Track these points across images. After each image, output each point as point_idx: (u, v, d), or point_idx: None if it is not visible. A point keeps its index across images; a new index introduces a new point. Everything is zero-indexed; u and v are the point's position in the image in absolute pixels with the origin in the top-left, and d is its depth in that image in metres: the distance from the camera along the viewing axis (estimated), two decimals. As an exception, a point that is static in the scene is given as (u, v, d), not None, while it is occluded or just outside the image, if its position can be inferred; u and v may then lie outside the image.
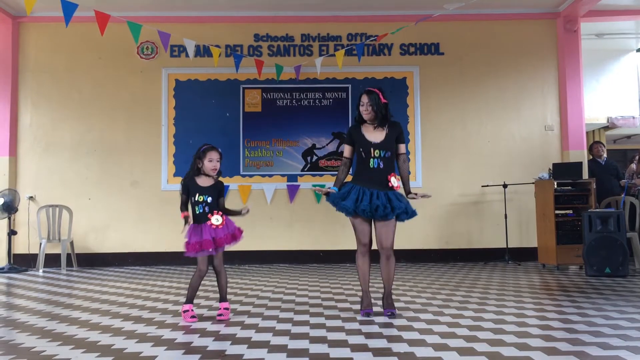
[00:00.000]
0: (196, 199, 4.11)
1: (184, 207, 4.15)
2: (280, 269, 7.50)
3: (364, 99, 4.18)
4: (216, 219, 4.08)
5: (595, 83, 9.48)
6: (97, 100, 8.22)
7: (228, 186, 7.28)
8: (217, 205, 4.16)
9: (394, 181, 4.12)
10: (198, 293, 5.21)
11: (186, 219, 4.09)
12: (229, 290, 5.51)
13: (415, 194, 4.20)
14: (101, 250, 8.07)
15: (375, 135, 4.18)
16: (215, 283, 4.31)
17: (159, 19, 8.02)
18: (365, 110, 4.16)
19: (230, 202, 5.30)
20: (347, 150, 4.31)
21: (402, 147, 4.26)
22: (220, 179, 4.30)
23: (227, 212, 4.23)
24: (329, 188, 4.26)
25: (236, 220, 4.25)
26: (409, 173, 4.38)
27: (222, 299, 4.20)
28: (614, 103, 9.62)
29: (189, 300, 4.13)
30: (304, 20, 8.36)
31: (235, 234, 4.16)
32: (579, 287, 5.51)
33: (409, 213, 4.12)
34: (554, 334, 3.49)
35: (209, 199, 4.12)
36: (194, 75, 8.27)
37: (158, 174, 8.13)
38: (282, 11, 8.26)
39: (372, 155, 4.13)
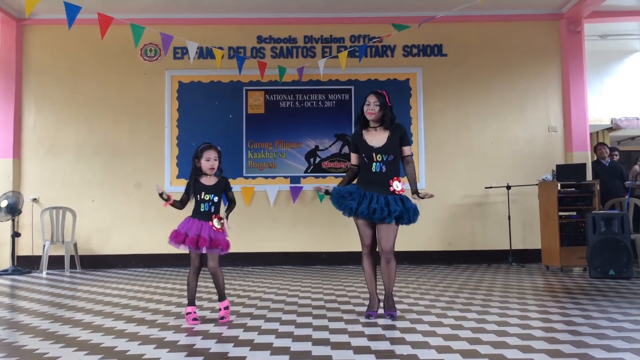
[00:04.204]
0: (202, 197, 4.12)
1: (177, 202, 4.14)
2: (283, 270, 7.49)
3: (371, 98, 4.15)
4: (217, 222, 4.10)
5: (599, 84, 9.45)
6: (100, 102, 8.25)
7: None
8: (224, 204, 4.18)
9: (396, 185, 4.11)
10: (201, 295, 5.22)
11: (167, 198, 4.04)
12: (231, 292, 5.53)
13: (419, 194, 4.16)
14: (104, 252, 8.08)
15: (377, 139, 4.16)
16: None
17: (162, 21, 8.03)
18: (372, 110, 4.13)
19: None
20: (353, 158, 4.32)
21: (406, 150, 4.23)
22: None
23: (231, 207, 4.23)
24: (328, 187, 4.30)
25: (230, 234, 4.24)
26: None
27: (221, 297, 4.19)
28: (618, 104, 9.59)
29: (191, 302, 4.13)
30: (307, 22, 8.36)
31: (227, 243, 4.15)
32: (582, 289, 5.49)
33: (410, 218, 4.07)
34: (558, 336, 3.47)
35: (215, 198, 4.14)
36: (197, 77, 8.29)
37: (161, 175, 8.14)
38: (285, 13, 8.27)
39: (375, 159, 4.12)
